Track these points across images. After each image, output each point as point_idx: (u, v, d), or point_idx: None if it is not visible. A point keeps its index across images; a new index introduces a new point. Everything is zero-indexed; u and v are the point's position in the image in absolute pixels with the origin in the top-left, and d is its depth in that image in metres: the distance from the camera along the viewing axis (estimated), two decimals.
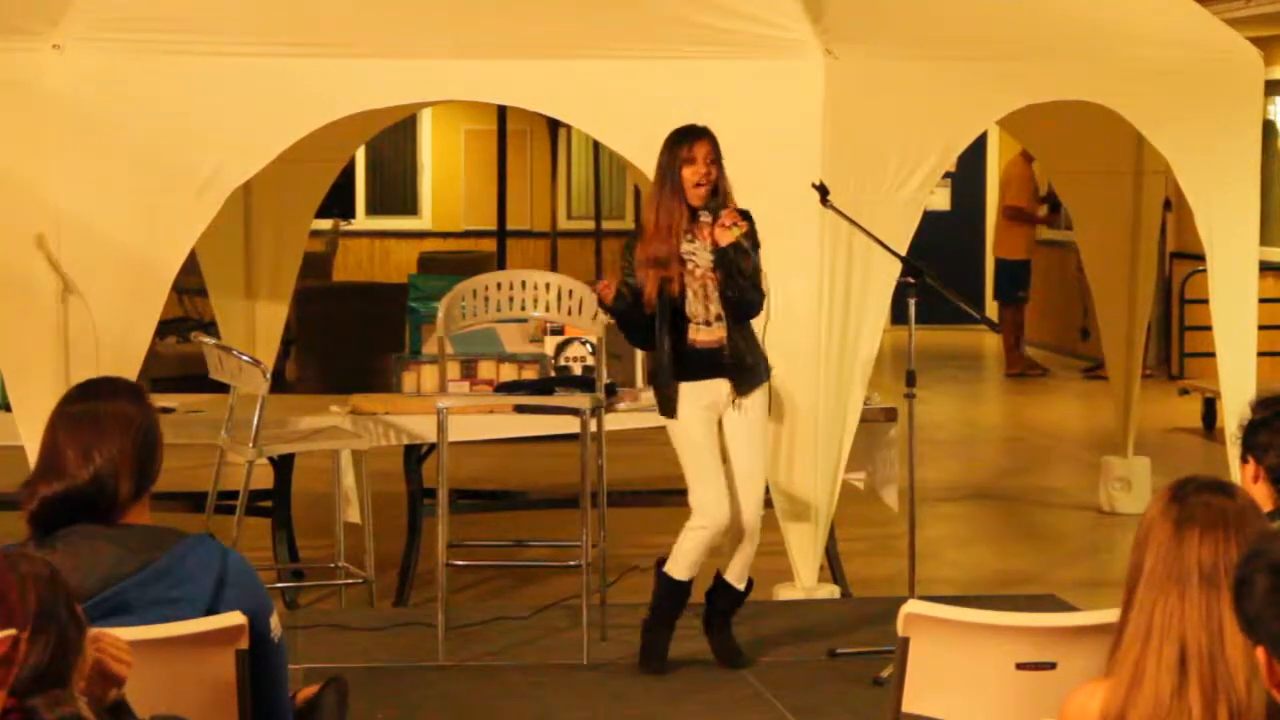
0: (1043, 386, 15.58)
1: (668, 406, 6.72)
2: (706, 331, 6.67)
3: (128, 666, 3.15)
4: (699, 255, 6.64)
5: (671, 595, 6.81)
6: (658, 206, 6.68)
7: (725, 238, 6.56)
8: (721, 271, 6.60)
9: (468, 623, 7.33)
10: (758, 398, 6.74)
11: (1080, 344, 16.59)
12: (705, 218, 6.64)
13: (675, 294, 6.64)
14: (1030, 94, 7.98)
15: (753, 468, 6.76)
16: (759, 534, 6.79)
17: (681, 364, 6.68)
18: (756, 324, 6.77)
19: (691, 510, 6.70)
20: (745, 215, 6.65)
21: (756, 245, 6.66)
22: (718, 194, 6.64)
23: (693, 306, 6.67)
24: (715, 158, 6.62)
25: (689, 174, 6.62)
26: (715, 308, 6.65)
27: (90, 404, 3.73)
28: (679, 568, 6.76)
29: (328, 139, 8.31)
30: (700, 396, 6.69)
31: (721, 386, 6.69)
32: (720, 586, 6.87)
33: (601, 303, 6.73)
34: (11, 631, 2.56)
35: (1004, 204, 15.67)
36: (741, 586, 6.85)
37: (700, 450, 6.69)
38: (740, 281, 6.59)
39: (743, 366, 6.68)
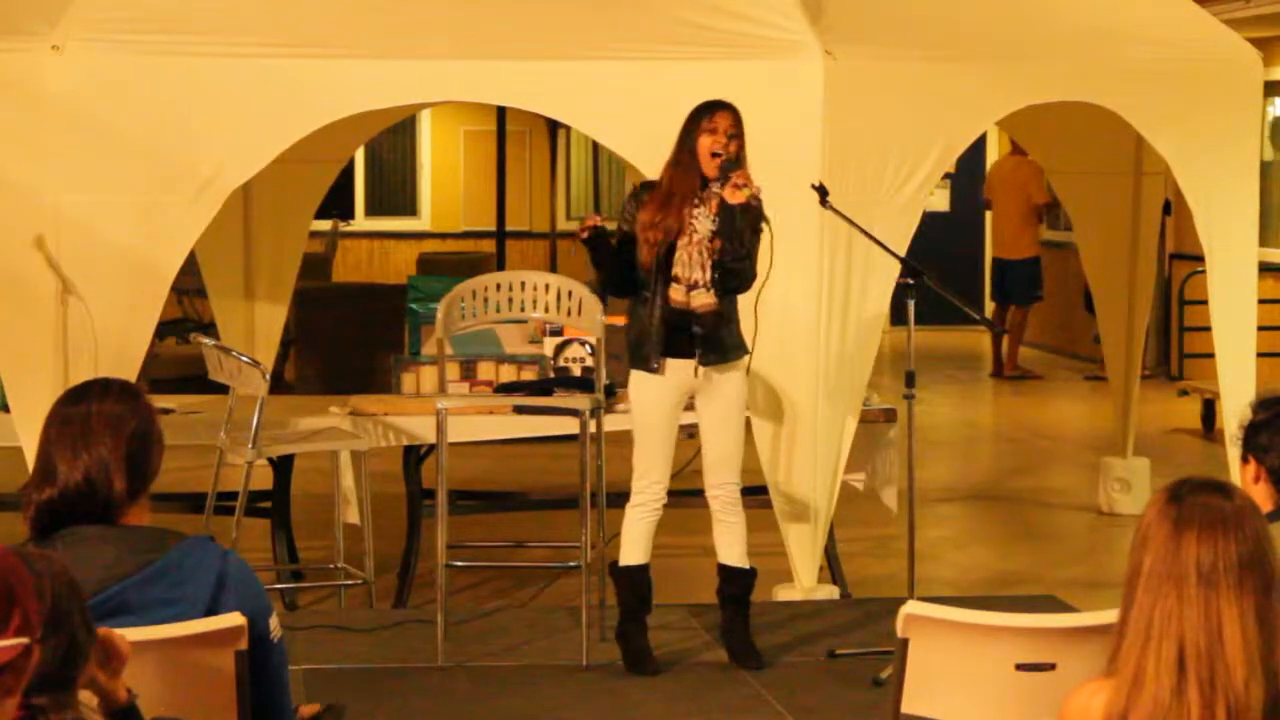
0: (1042, 388, 15.58)
1: (646, 362, 6.67)
2: (699, 295, 6.61)
3: (124, 661, 3.16)
4: (700, 223, 6.61)
5: (633, 586, 6.80)
6: (671, 174, 6.67)
7: (735, 197, 6.51)
8: (723, 231, 6.56)
9: (467, 622, 7.33)
10: (733, 379, 6.72)
11: (1079, 346, 16.61)
12: (715, 188, 6.62)
13: (663, 253, 6.61)
14: (1030, 94, 7.98)
15: (729, 447, 6.71)
16: (742, 510, 6.76)
17: (662, 327, 6.64)
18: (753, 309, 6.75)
19: (632, 490, 6.71)
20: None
21: (759, 228, 6.64)
22: (748, 170, 6.60)
23: (682, 269, 6.63)
24: (736, 132, 6.60)
25: (706, 142, 6.60)
26: (704, 276, 6.61)
27: (80, 406, 3.74)
28: (629, 553, 6.78)
29: (327, 140, 8.30)
30: (670, 376, 6.67)
31: (690, 366, 6.67)
32: (725, 575, 6.85)
33: (584, 236, 6.64)
34: (24, 640, 2.56)
35: (1034, 204, 15.65)
36: (745, 564, 6.82)
37: (653, 431, 6.69)
38: (738, 247, 6.56)
39: (715, 340, 6.64)
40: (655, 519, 6.74)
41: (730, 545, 6.82)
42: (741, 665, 6.82)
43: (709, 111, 6.64)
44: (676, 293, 6.63)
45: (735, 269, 6.60)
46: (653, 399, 6.71)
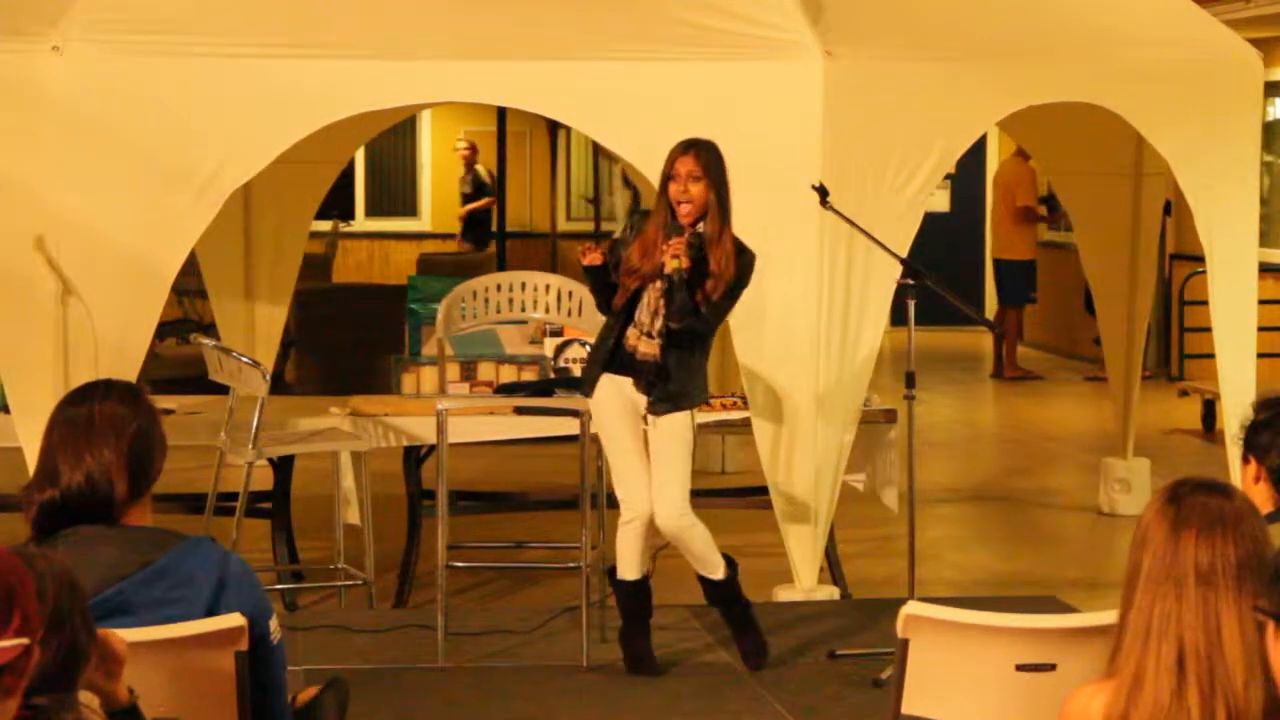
0: (1042, 388, 15.58)
1: (588, 386, 6.73)
2: (645, 343, 6.62)
3: (120, 663, 3.16)
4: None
5: (631, 597, 6.81)
6: (652, 219, 6.67)
7: (668, 266, 6.50)
8: (665, 295, 6.56)
9: (467, 625, 7.33)
10: (677, 420, 6.65)
11: (1079, 346, 16.62)
12: (689, 237, 6.58)
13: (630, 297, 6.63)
14: (1030, 95, 7.97)
15: (666, 465, 6.62)
16: (691, 530, 6.64)
17: (610, 360, 6.68)
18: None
19: (620, 506, 6.73)
20: (743, 251, 6.59)
21: (740, 285, 6.61)
22: (718, 217, 6.55)
23: (641, 313, 6.63)
24: (701, 174, 6.54)
25: (671, 190, 6.59)
26: (660, 323, 6.61)
27: (83, 407, 3.74)
28: (624, 568, 6.77)
29: (327, 140, 8.30)
30: (619, 386, 6.66)
31: (629, 383, 6.67)
32: (701, 584, 6.84)
33: (585, 261, 6.65)
34: (24, 641, 2.55)
35: (1015, 205, 15.73)
36: (717, 575, 6.78)
37: (617, 442, 6.69)
38: (673, 312, 6.53)
39: (662, 389, 6.62)
40: (638, 528, 6.69)
41: (692, 561, 6.78)
42: (743, 660, 6.81)
43: (672, 157, 6.59)
44: (632, 335, 6.64)
45: (674, 330, 6.58)
46: (600, 406, 6.71)
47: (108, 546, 3.65)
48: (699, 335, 6.65)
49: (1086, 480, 10.59)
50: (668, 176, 6.59)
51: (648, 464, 6.68)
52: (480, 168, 18.84)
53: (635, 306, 6.62)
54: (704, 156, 6.56)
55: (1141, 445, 10.11)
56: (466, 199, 18.86)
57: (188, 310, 15.20)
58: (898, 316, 7.56)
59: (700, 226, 6.57)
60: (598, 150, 18.75)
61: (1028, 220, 15.86)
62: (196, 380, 8.70)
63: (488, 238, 18.61)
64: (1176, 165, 8.24)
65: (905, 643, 4.27)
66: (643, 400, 6.64)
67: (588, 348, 7.83)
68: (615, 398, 6.68)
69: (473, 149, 18.86)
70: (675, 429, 6.65)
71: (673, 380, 6.62)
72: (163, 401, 7.82)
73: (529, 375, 8.15)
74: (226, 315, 10.23)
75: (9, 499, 8.05)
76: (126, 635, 3.28)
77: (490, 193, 18.63)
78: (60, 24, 7.27)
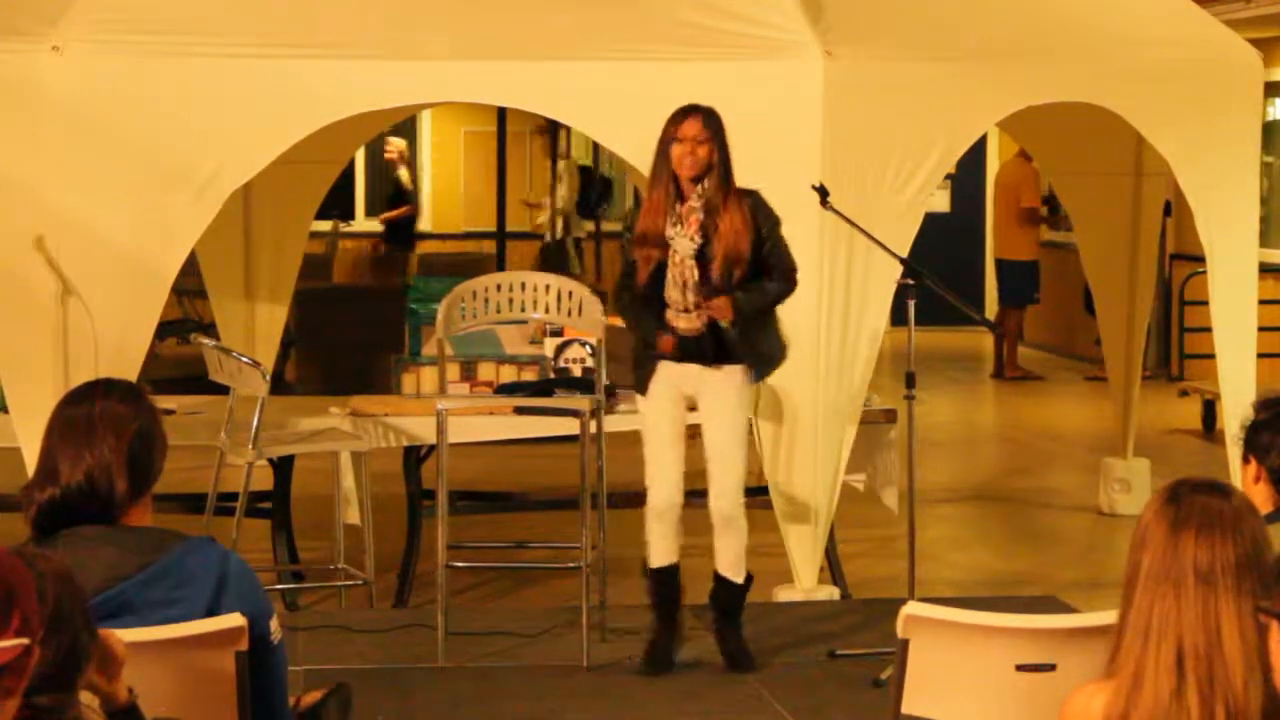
0: (1042, 388, 15.58)
1: (642, 384, 6.75)
2: (685, 319, 6.66)
3: (120, 664, 3.16)
4: (679, 242, 6.63)
5: (660, 586, 6.80)
6: (651, 183, 6.72)
7: (722, 323, 6.62)
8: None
9: (468, 625, 7.32)
10: (729, 375, 6.70)
11: (1079, 346, 16.63)
12: (694, 203, 6.62)
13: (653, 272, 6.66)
14: (1030, 95, 7.98)
15: (725, 452, 6.68)
16: (742, 522, 6.73)
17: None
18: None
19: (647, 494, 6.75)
20: (754, 195, 6.66)
21: (776, 225, 6.69)
22: (720, 177, 6.61)
23: (670, 292, 6.66)
24: (706, 137, 6.60)
25: (675, 152, 6.62)
26: (693, 296, 6.64)
27: (83, 406, 3.74)
28: (654, 556, 6.78)
29: (327, 140, 8.30)
30: (671, 374, 6.70)
31: (692, 370, 6.69)
32: (716, 582, 6.85)
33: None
34: (24, 641, 2.55)
35: (1020, 207, 15.73)
36: (738, 579, 6.81)
37: (656, 431, 6.72)
38: (741, 316, 6.62)
39: (734, 353, 6.67)
40: (671, 520, 6.71)
41: (724, 556, 6.80)
42: (733, 668, 6.81)
43: (676, 120, 6.64)
44: (670, 316, 6.68)
45: (750, 315, 6.64)
46: (653, 395, 6.74)
47: (108, 546, 3.64)
48: (785, 296, 6.77)
49: (1086, 480, 10.59)
50: (671, 139, 6.62)
51: (682, 456, 6.71)
52: (403, 172, 18.38)
53: (663, 289, 6.65)
54: (709, 121, 6.64)
55: (1141, 445, 10.11)
56: (390, 203, 18.47)
57: (188, 310, 15.20)
58: (898, 316, 7.55)
59: (703, 187, 6.60)
60: (597, 150, 18.73)
61: (1032, 221, 15.87)
62: (196, 380, 8.70)
63: (412, 240, 18.40)
64: (1176, 165, 8.24)
65: (905, 643, 4.27)
66: (691, 379, 6.66)
67: (588, 348, 7.84)
68: (667, 389, 6.72)
69: (400, 156, 18.32)
70: (735, 406, 6.68)
71: (750, 341, 6.67)
72: (163, 401, 7.80)
73: (529, 375, 8.15)
74: (226, 315, 10.23)
75: (9, 499, 8.05)
76: (126, 635, 3.28)
77: (409, 200, 18.32)
78: (60, 24, 7.27)
